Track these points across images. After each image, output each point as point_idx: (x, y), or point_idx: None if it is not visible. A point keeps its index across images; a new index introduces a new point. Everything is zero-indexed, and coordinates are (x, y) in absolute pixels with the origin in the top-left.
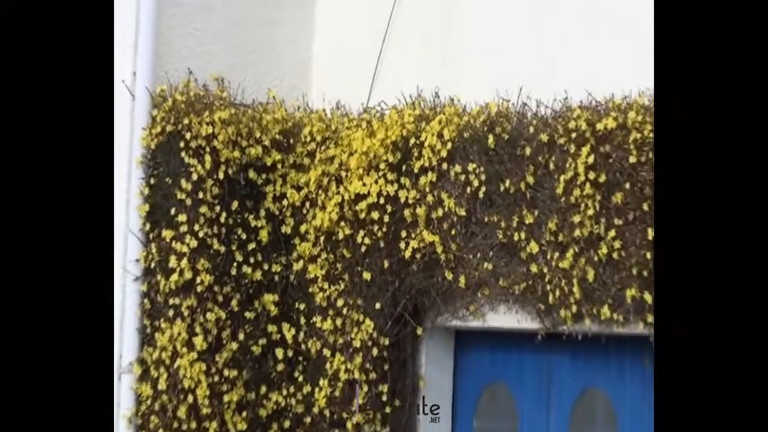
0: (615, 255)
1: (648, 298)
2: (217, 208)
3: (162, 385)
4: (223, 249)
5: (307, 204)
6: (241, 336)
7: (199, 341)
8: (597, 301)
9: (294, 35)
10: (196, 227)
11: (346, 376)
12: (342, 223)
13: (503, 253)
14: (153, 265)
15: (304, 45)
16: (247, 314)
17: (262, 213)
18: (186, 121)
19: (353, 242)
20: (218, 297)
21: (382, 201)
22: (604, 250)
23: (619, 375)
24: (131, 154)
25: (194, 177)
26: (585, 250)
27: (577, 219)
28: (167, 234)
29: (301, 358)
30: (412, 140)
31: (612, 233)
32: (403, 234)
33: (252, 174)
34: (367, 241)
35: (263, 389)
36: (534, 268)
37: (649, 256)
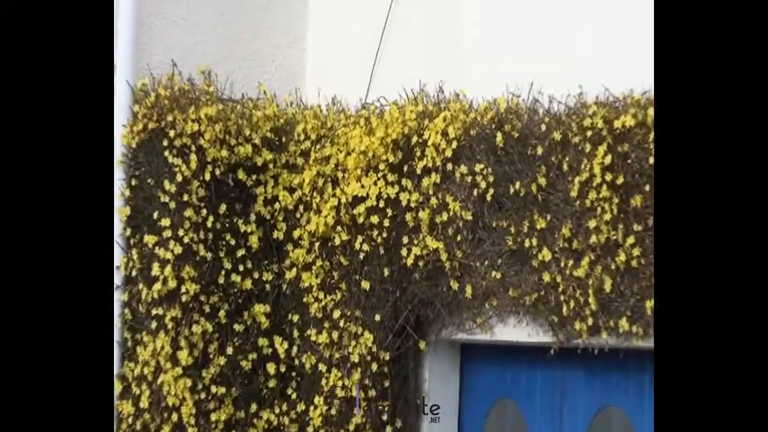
0: (634, 263)
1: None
2: (204, 211)
3: (144, 403)
4: (209, 256)
5: (301, 207)
6: (230, 350)
7: (184, 355)
8: (614, 313)
9: (287, 25)
10: (181, 232)
11: (343, 393)
12: (338, 228)
13: (513, 260)
14: (134, 273)
15: (297, 35)
16: (236, 326)
17: (252, 217)
18: (170, 118)
19: (351, 249)
20: (205, 308)
21: (381, 204)
22: (622, 257)
23: (639, 393)
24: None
25: (179, 178)
26: (602, 257)
27: (593, 224)
28: (150, 239)
29: (294, 374)
30: (415, 138)
31: (631, 239)
32: (405, 240)
33: (241, 175)
34: (365, 247)
35: (253, 407)
36: (546, 277)
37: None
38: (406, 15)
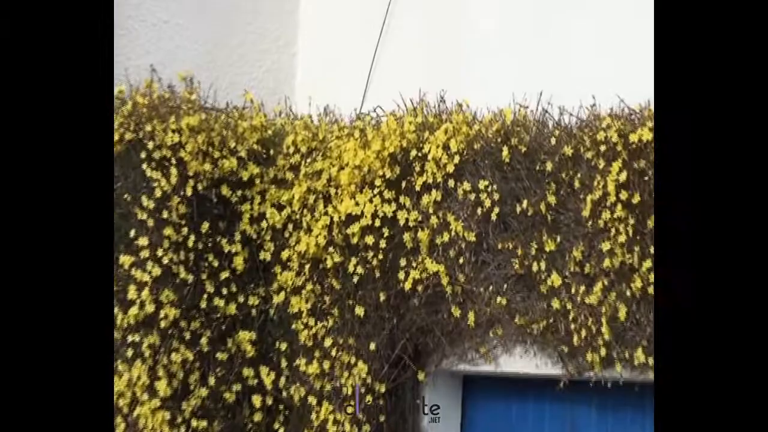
0: (651, 289)
1: None
2: (185, 230)
3: None
4: (191, 278)
5: (290, 226)
6: (212, 380)
7: (162, 386)
8: (629, 343)
9: (276, 28)
10: (160, 252)
11: (334, 428)
12: (330, 249)
13: (520, 285)
14: None
15: (287, 39)
16: (219, 355)
17: (237, 236)
18: (148, 128)
19: (344, 271)
20: (185, 334)
21: (377, 223)
22: (638, 283)
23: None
24: None
25: (158, 193)
26: (616, 283)
27: (606, 246)
28: (125, 260)
29: (281, 407)
30: (414, 152)
31: (647, 263)
32: (403, 262)
33: (225, 190)
34: (360, 270)
35: None
36: (556, 304)
37: None
38: (405, 17)
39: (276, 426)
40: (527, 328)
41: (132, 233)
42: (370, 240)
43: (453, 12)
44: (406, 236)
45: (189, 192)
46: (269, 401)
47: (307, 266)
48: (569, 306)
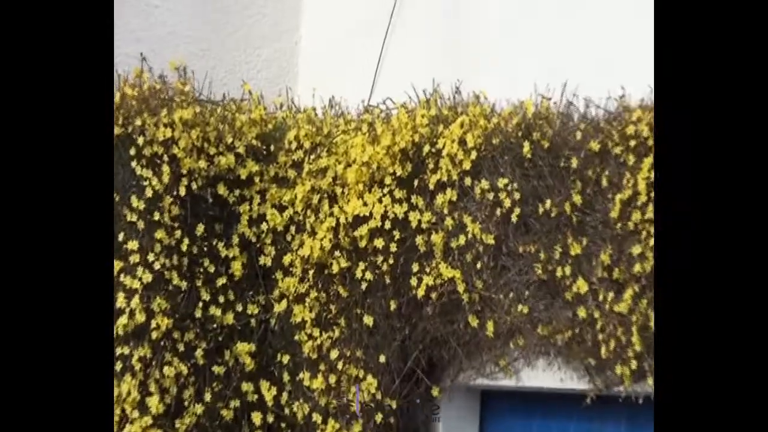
0: None
1: None
2: (178, 232)
3: None
4: (185, 285)
5: (293, 228)
6: (208, 396)
7: (154, 402)
8: None
9: (276, 13)
10: (151, 257)
11: None
12: (336, 253)
13: (542, 292)
14: None
15: (289, 25)
16: (216, 368)
17: (235, 240)
18: (138, 122)
19: (351, 277)
20: (179, 346)
21: (387, 225)
22: None
23: None
24: None
25: (149, 193)
26: (647, 289)
27: (636, 250)
28: (114, 265)
29: (283, 425)
30: (427, 148)
31: None
32: (415, 268)
33: (222, 190)
34: (368, 276)
35: None
36: (582, 313)
37: None
38: (416, 4)
39: None
40: (551, 338)
41: (121, 236)
42: (379, 243)
43: None
44: (419, 239)
45: (182, 191)
46: (270, 419)
47: (311, 272)
48: (597, 314)
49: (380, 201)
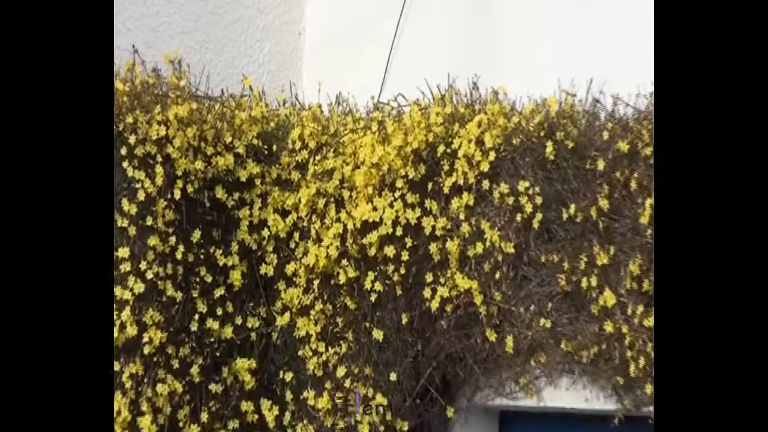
0: None
1: None
2: (172, 239)
3: None
4: (179, 296)
5: (296, 235)
6: (205, 416)
7: (146, 423)
8: None
9: (280, 3)
10: (143, 265)
11: None
12: (344, 262)
13: (566, 305)
14: None
15: (292, 15)
16: (213, 386)
17: (234, 247)
18: (129, 120)
19: (359, 288)
20: (173, 362)
21: (399, 232)
22: None
23: None
24: None
25: (141, 196)
26: None
27: None
28: None
29: None
30: (441, 148)
31: None
32: (429, 278)
33: (220, 193)
34: (378, 286)
35: None
36: (609, 327)
37: None
38: None
39: None
40: (575, 355)
41: None
42: (390, 251)
43: None
44: (433, 247)
45: (177, 195)
46: None
47: (317, 282)
48: (625, 329)
49: (391, 206)
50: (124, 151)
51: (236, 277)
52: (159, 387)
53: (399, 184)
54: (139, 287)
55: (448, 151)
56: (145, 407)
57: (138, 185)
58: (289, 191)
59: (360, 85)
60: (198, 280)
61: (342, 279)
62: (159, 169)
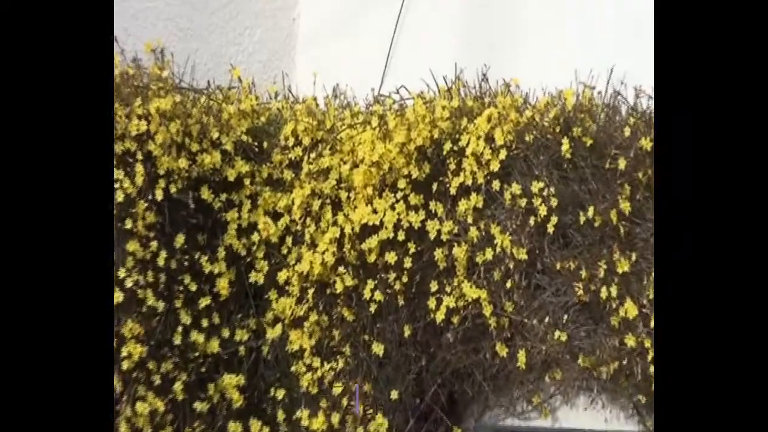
0: None
1: None
2: (154, 244)
3: None
4: (161, 306)
5: (289, 240)
6: None
7: None
8: None
9: None
10: (122, 273)
11: None
12: (341, 269)
13: (584, 317)
14: None
15: (286, 1)
16: (198, 405)
17: (221, 253)
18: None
19: (358, 298)
20: (154, 378)
21: (401, 236)
22: None
23: None
24: None
25: (119, 197)
26: None
27: None
28: None
29: None
30: (448, 145)
31: None
32: (434, 287)
33: (206, 194)
34: (378, 296)
35: None
36: (630, 341)
37: None
38: None
39: None
40: (594, 371)
41: None
42: (391, 258)
43: None
44: (438, 253)
45: (159, 195)
46: None
47: (311, 291)
48: (647, 343)
49: (392, 208)
50: None
51: (223, 286)
52: (139, 406)
53: (401, 184)
54: (118, 296)
55: (455, 148)
56: (123, 428)
57: (117, 185)
58: (281, 192)
59: (359, 76)
60: (181, 288)
61: (339, 288)
62: (139, 167)
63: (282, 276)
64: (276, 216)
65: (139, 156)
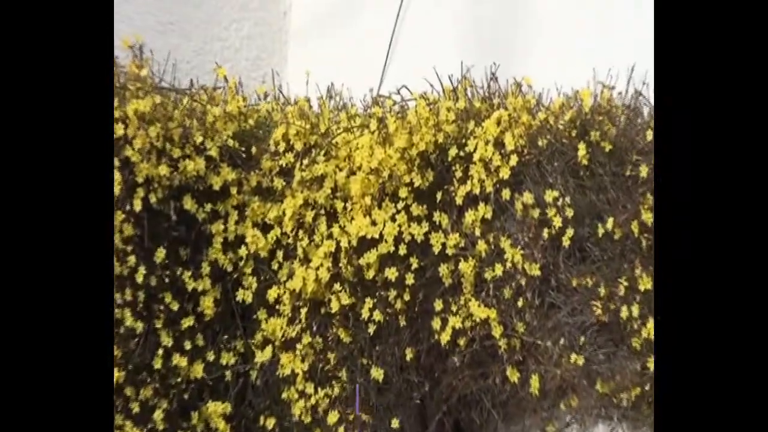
0: None
1: None
2: (131, 259)
3: None
4: (140, 327)
5: (280, 254)
6: None
7: None
8: None
9: None
10: None
11: None
12: (336, 287)
13: (603, 338)
14: None
15: None
16: None
17: (206, 268)
18: None
19: (355, 318)
20: (132, 406)
21: (402, 250)
22: None
23: None
24: None
25: None
26: None
27: None
28: None
29: None
30: (453, 151)
31: None
32: (438, 306)
33: (189, 204)
34: (378, 316)
35: None
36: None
37: None
38: None
39: None
40: (613, 397)
41: None
42: (392, 274)
43: None
44: (443, 269)
45: (138, 206)
46: None
47: (304, 310)
48: None
49: (393, 219)
50: None
51: (208, 305)
52: None
53: (402, 193)
54: None
55: (462, 154)
56: None
57: None
58: (271, 202)
59: (356, 75)
60: (162, 308)
61: (334, 307)
62: (116, 175)
63: (272, 294)
64: (265, 228)
65: (116, 162)
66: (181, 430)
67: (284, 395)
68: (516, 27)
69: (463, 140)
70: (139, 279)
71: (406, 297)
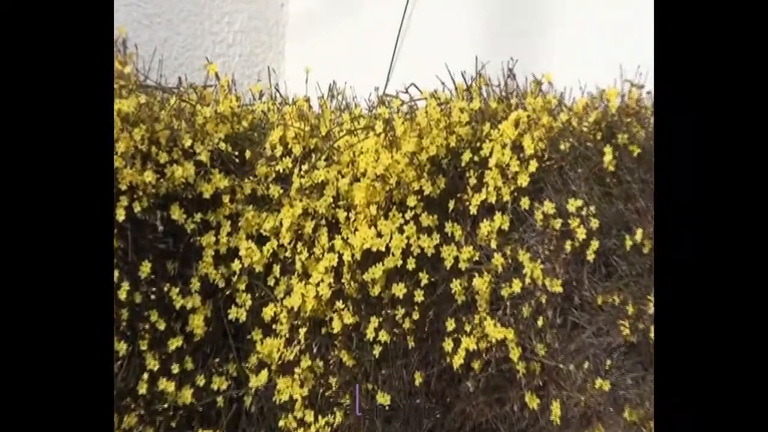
0: None
1: None
2: (115, 273)
3: None
4: (124, 348)
5: (277, 269)
6: None
7: None
8: None
9: None
10: None
11: None
12: (339, 304)
13: (631, 361)
14: None
15: None
16: None
17: (195, 284)
18: None
19: (359, 339)
20: None
21: (411, 265)
22: None
23: None
24: None
25: None
26: None
27: None
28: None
29: None
30: (467, 155)
31: None
32: (450, 325)
33: (177, 213)
34: (384, 336)
35: None
36: None
37: None
38: None
39: None
40: (643, 426)
41: None
42: (399, 290)
43: None
44: (456, 285)
45: (121, 215)
46: None
47: (303, 330)
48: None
49: (401, 230)
50: None
51: (198, 324)
52: None
53: (411, 202)
54: None
55: (476, 158)
56: None
57: None
58: (267, 211)
59: (360, 73)
60: (148, 327)
61: (336, 326)
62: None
63: (268, 312)
64: (261, 240)
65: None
66: None
67: (281, 423)
68: (536, 19)
69: (478, 144)
70: (122, 296)
71: (415, 316)
